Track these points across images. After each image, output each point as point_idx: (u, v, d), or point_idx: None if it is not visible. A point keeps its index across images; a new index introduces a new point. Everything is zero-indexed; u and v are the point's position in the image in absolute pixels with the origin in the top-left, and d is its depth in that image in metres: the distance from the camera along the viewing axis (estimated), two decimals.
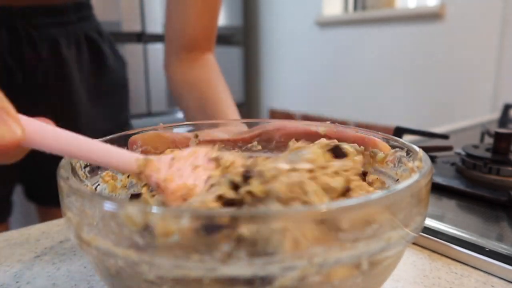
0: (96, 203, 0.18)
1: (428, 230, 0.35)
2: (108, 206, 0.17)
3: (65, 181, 0.20)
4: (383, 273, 0.21)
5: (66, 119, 0.62)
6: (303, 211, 0.17)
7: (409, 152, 0.27)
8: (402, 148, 0.28)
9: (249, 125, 0.37)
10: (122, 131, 0.32)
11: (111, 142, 0.30)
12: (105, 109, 0.67)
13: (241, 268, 0.16)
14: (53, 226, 0.38)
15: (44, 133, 0.21)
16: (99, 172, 0.29)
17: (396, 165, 0.28)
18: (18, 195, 0.69)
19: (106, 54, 0.66)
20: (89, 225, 0.19)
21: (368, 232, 0.18)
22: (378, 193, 0.18)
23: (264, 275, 0.16)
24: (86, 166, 0.28)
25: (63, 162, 0.24)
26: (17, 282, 0.29)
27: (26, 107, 0.59)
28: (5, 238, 0.36)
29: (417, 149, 0.26)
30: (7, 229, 0.65)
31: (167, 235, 0.16)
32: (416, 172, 0.23)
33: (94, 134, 0.30)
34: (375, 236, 0.18)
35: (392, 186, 0.27)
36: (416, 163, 0.25)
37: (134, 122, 0.75)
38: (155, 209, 0.16)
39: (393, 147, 0.29)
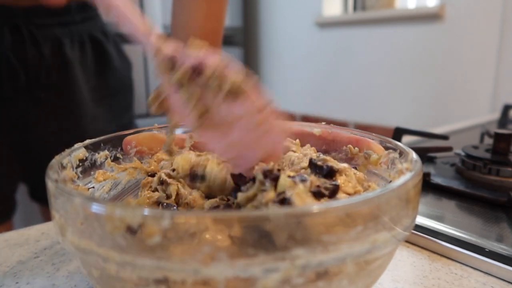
0: (79, 203, 0.18)
1: (428, 231, 0.35)
2: (91, 207, 0.17)
3: (52, 182, 0.20)
4: (370, 275, 0.21)
5: (69, 119, 0.62)
6: (287, 212, 0.17)
7: (402, 153, 0.27)
8: (395, 150, 0.28)
9: None
10: None
11: (104, 143, 0.30)
12: (109, 109, 0.67)
13: (223, 269, 0.16)
14: (53, 227, 0.38)
15: None
16: (92, 173, 0.29)
17: (390, 166, 0.28)
18: (22, 194, 0.69)
19: (111, 54, 0.66)
20: (74, 226, 0.18)
21: (351, 234, 0.17)
22: (362, 196, 0.18)
23: (246, 276, 0.16)
24: (78, 166, 0.27)
25: (52, 162, 0.24)
26: (16, 283, 0.29)
27: (29, 107, 0.59)
28: (5, 239, 0.36)
29: (409, 150, 0.26)
30: (11, 228, 0.65)
31: (149, 236, 0.16)
32: (404, 174, 0.23)
33: (97, 135, 0.30)
34: (359, 238, 0.18)
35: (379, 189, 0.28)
36: (406, 165, 0.25)
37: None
38: (137, 211, 0.16)
39: (386, 148, 0.29)
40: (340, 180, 0.24)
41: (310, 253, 0.17)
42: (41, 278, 0.29)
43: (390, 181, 0.27)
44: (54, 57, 0.59)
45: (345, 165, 0.25)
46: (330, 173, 0.24)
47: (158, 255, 0.16)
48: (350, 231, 0.17)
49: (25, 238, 0.36)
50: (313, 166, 0.25)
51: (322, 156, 0.27)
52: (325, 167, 0.24)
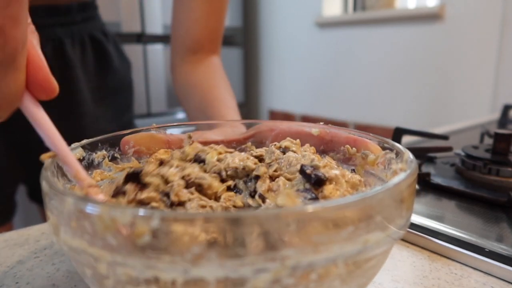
0: (71, 203, 0.18)
1: (428, 231, 0.35)
2: (83, 206, 0.17)
3: (46, 181, 0.20)
4: (363, 275, 0.20)
5: (70, 119, 0.63)
6: (278, 212, 0.17)
7: (398, 153, 0.27)
8: (392, 150, 0.28)
9: (245, 125, 0.37)
10: None
11: (102, 142, 0.30)
12: (109, 109, 0.68)
13: (213, 269, 0.16)
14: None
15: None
16: (89, 173, 0.29)
17: (386, 167, 0.28)
18: (22, 195, 0.69)
19: (111, 54, 0.66)
20: (66, 225, 0.18)
21: (342, 234, 0.17)
22: (355, 196, 0.18)
23: (236, 277, 0.16)
24: None
25: (48, 162, 0.24)
26: (16, 283, 0.29)
27: None
28: (5, 239, 0.36)
29: (405, 150, 0.26)
30: (11, 229, 0.65)
31: (139, 236, 0.16)
32: (399, 174, 0.23)
33: (98, 135, 0.30)
34: (350, 238, 0.17)
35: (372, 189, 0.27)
36: (400, 165, 0.25)
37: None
38: (126, 211, 0.16)
39: (383, 148, 0.29)
40: (327, 189, 0.24)
41: (300, 253, 0.17)
42: (41, 278, 0.29)
43: (387, 182, 0.27)
44: (55, 57, 0.59)
45: (337, 172, 0.25)
46: (318, 182, 0.24)
47: (148, 255, 0.16)
48: (342, 231, 0.17)
49: (25, 238, 0.36)
50: (303, 174, 0.25)
51: (315, 161, 0.27)
52: (313, 175, 0.24)
